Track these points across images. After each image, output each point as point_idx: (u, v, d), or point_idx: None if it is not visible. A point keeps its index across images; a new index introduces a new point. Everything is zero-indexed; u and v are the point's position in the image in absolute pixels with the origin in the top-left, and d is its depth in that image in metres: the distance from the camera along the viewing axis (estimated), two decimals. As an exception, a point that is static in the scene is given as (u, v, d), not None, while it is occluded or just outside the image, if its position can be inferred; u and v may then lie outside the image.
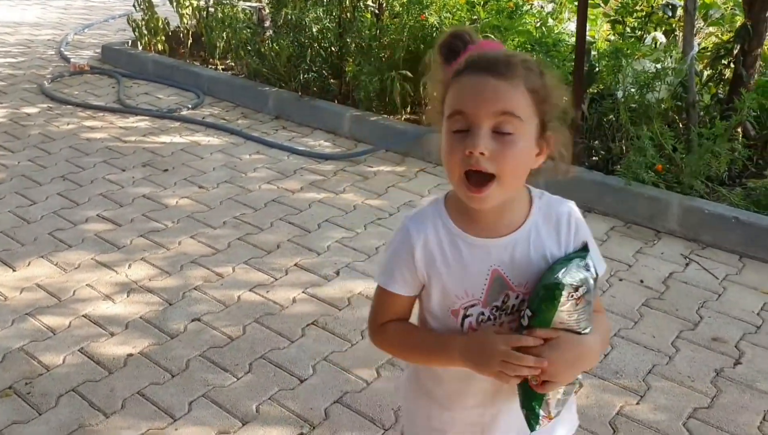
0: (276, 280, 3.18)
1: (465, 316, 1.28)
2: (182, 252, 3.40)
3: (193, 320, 2.91)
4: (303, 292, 3.10)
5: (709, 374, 2.62)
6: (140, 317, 2.92)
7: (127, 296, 3.06)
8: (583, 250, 1.28)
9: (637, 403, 2.48)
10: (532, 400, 1.24)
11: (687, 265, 3.31)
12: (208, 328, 2.86)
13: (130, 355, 2.70)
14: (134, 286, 3.13)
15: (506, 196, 1.22)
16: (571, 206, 1.33)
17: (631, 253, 3.40)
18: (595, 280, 1.24)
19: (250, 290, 3.10)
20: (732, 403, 2.48)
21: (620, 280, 3.19)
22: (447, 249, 1.28)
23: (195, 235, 3.54)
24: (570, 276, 1.19)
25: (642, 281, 3.18)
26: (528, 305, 1.23)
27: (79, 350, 2.72)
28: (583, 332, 1.22)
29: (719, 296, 3.08)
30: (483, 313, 1.28)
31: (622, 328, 2.86)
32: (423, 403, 1.43)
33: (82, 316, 2.92)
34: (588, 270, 1.22)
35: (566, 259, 1.24)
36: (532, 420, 1.25)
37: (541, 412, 1.24)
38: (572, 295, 1.18)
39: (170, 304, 3.01)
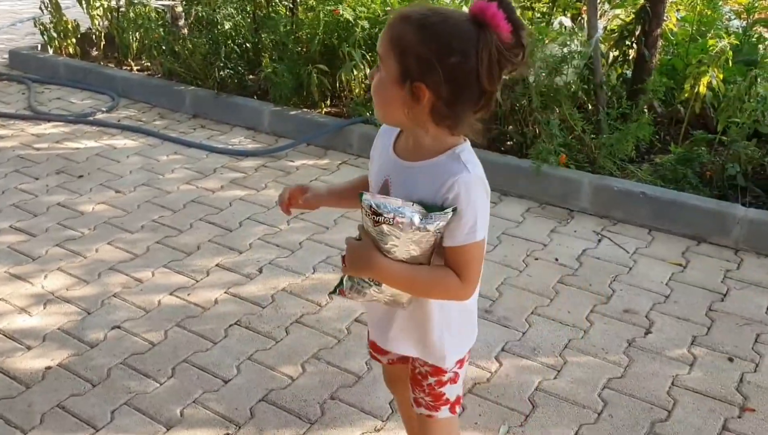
0: (197, 281, 3.16)
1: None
2: (100, 259, 3.34)
3: (113, 328, 2.86)
4: (225, 292, 3.08)
5: (621, 345, 2.73)
6: (58, 328, 2.86)
7: (44, 308, 2.99)
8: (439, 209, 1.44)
9: (555, 378, 2.57)
10: (341, 278, 1.57)
11: (599, 241, 3.44)
12: (129, 335, 2.82)
13: (48, 367, 2.64)
14: (51, 297, 3.06)
15: (381, 118, 1.53)
16: (466, 177, 1.44)
17: (546, 233, 3.51)
18: (416, 228, 1.41)
19: (170, 294, 3.07)
20: (643, 371, 2.60)
21: (536, 259, 3.29)
22: (382, 151, 1.60)
23: (112, 241, 3.48)
24: (377, 203, 1.41)
25: (557, 259, 3.28)
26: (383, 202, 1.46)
27: (-6, 367, 2.65)
28: (384, 251, 1.45)
29: (630, 269, 3.21)
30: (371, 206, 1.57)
31: (538, 306, 2.95)
32: None
33: (-3, 331, 2.85)
34: (422, 220, 1.40)
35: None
36: (336, 287, 1.58)
37: (341, 287, 1.57)
38: (368, 213, 1.42)
39: (89, 313, 2.95)
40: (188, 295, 3.07)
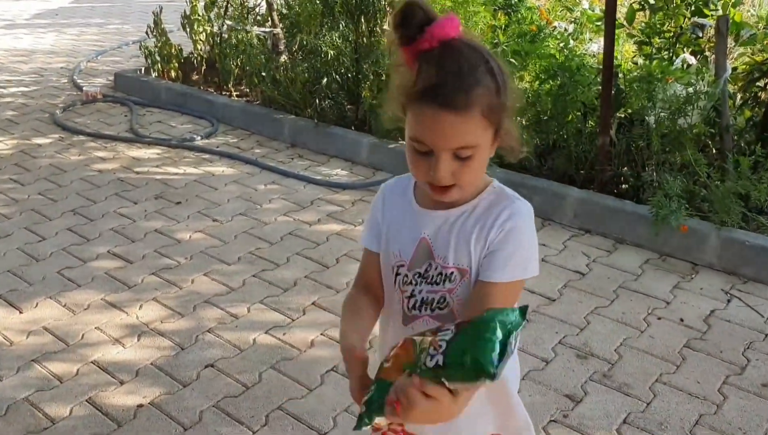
0: (293, 320, 3.02)
1: (397, 274, 1.40)
2: (195, 291, 3.25)
3: (206, 366, 2.75)
4: (322, 333, 2.93)
5: (762, 425, 2.42)
6: (151, 363, 2.77)
7: (138, 340, 2.91)
8: (522, 313, 1.08)
9: (685, 459, 2.29)
10: (376, 408, 1.14)
11: (728, 301, 3.12)
12: (222, 375, 2.70)
13: (141, 405, 2.55)
14: (145, 328, 2.98)
15: (465, 194, 1.31)
16: (517, 208, 1.32)
17: (668, 289, 3.22)
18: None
19: (265, 332, 2.95)
20: (789, 459, 2.29)
21: (658, 318, 3.00)
22: (399, 211, 1.41)
23: (208, 273, 3.39)
24: (501, 365, 1.02)
25: (682, 320, 2.99)
26: (445, 350, 1.05)
27: (86, 401, 2.57)
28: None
29: (766, 336, 2.89)
30: (407, 276, 1.38)
31: (663, 373, 2.67)
32: None
33: (91, 362, 2.78)
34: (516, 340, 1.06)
35: (506, 324, 1.05)
36: (365, 418, 1.16)
37: (375, 421, 1.16)
38: (486, 382, 1.03)
39: (182, 349, 2.85)
40: (284, 334, 2.93)
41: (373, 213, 1.46)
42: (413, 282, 1.38)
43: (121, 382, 2.67)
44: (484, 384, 1.03)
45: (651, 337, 2.88)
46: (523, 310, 1.08)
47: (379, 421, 1.16)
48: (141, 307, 3.13)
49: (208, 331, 2.96)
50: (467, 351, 1.04)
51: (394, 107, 1.28)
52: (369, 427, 1.17)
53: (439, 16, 1.21)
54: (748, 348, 2.82)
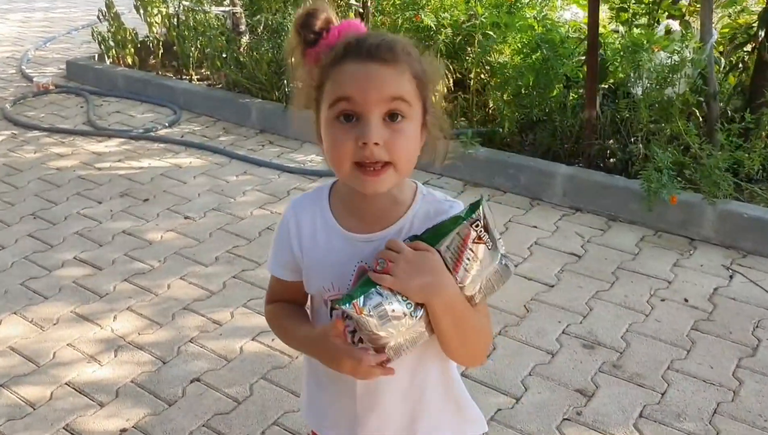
0: (281, 324, 2.84)
1: (332, 308, 1.24)
2: (172, 297, 3.04)
3: (192, 381, 2.56)
4: (313, 337, 2.76)
5: (782, 411, 2.33)
6: (132, 381, 2.57)
7: (115, 356, 2.70)
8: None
9: (708, 452, 2.18)
10: (358, 285, 1.11)
11: (731, 277, 3.03)
12: (210, 390, 2.51)
13: (124, 430, 2.35)
14: (122, 342, 2.78)
15: (399, 181, 1.17)
16: (454, 205, 1.23)
17: (668, 267, 3.11)
18: (501, 264, 1.15)
19: (252, 339, 2.76)
20: (813, 445, 2.20)
21: (662, 300, 2.89)
22: (320, 238, 1.24)
23: (185, 276, 3.18)
24: (491, 218, 1.12)
25: (686, 300, 2.88)
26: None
27: (64, 428, 2.36)
28: (454, 277, 1.11)
29: (774, 313, 2.80)
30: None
31: (674, 360, 2.56)
32: (307, 381, 1.39)
33: (65, 383, 2.56)
34: (505, 255, 1.15)
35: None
36: (344, 298, 1.09)
37: (355, 301, 1.07)
38: (478, 227, 1.10)
39: (164, 363, 2.66)
40: (273, 340, 2.75)
41: (282, 241, 1.27)
42: None
43: (101, 405, 2.47)
44: (466, 228, 1.09)
45: (657, 321, 2.77)
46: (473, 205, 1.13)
47: (358, 301, 1.08)
48: (115, 318, 2.92)
49: (190, 341, 2.77)
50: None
51: (304, 103, 1.20)
52: (348, 304, 1.08)
53: (340, 21, 1.18)
54: (757, 326, 2.72)
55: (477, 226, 1.10)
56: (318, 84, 1.15)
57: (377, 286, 1.09)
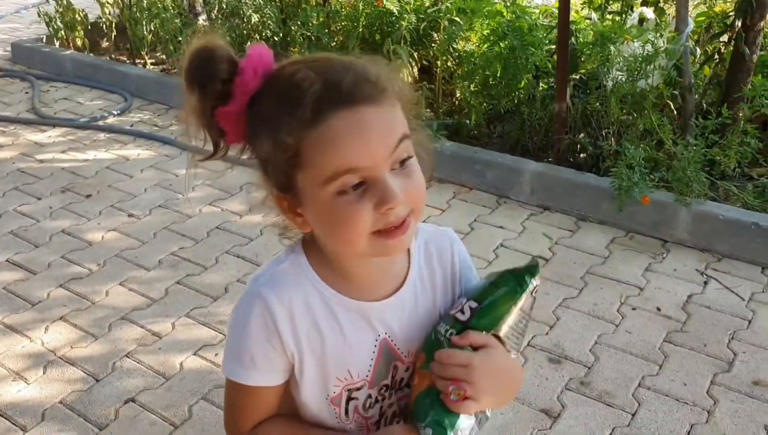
0: (225, 337, 2.63)
1: (349, 399, 1.02)
2: (110, 305, 2.81)
3: (126, 402, 2.34)
4: (260, 350, 2.55)
5: (759, 433, 2.18)
6: (60, 402, 2.35)
7: (44, 373, 2.48)
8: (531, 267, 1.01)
9: (680, 480, 2.03)
10: (444, 418, 0.93)
11: (705, 283, 2.87)
12: (145, 412, 2.30)
13: (47, 459, 2.14)
14: (52, 357, 2.55)
15: (417, 227, 0.96)
16: (451, 234, 1.09)
17: (640, 272, 2.94)
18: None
19: (194, 354, 2.55)
20: (793, 472, 2.05)
21: (633, 308, 2.73)
22: (321, 320, 0.98)
23: (125, 281, 2.95)
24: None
25: (659, 309, 2.72)
26: (470, 295, 0.98)
27: (-20, 457, 2.15)
28: (512, 350, 0.99)
29: (749, 323, 2.64)
30: (370, 396, 1.02)
31: (646, 376, 2.40)
32: None
33: (-14, 405, 2.34)
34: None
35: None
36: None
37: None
38: (535, 293, 0.96)
39: (97, 381, 2.43)
40: (216, 355, 2.54)
41: (267, 342, 0.98)
42: (380, 398, 1.02)
43: (24, 429, 2.25)
44: (527, 289, 0.94)
45: (628, 332, 2.60)
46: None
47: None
48: (47, 329, 2.69)
49: (126, 355, 2.55)
50: (498, 283, 0.97)
51: (267, 193, 0.95)
52: None
53: (235, 52, 0.90)
54: (732, 338, 2.57)
55: (535, 292, 0.97)
56: (290, 155, 0.88)
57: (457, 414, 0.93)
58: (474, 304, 0.96)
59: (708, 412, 2.26)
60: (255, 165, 0.95)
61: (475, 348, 0.94)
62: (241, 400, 1.03)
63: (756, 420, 2.22)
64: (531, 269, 0.96)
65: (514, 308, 0.94)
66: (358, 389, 1.01)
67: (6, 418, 2.29)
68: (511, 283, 0.96)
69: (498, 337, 0.96)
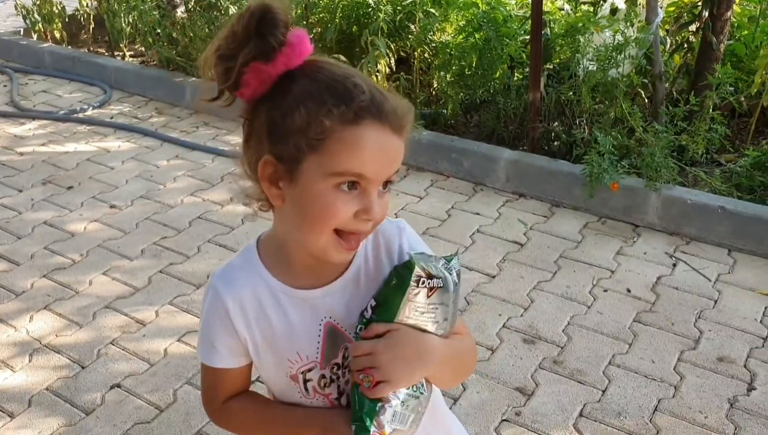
0: (209, 322, 2.69)
1: (306, 380, 1.10)
2: (94, 294, 2.86)
3: (111, 387, 2.40)
4: (243, 336, 2.61)
5: (722, 407, 2.28)
6: (46, 388, 2.40)
7: (30, 360, 2.52)
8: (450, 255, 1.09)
9: (648, 452, 2.12)
10: (363, 411, 1.00)
11: (674, 266, 2.97)
12: (131, 397, 2.36)
13: (35, 444, 2.19)
14: (37, 345, 2.59)
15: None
16: (401, 225, 1.13)
17: (611, 255, 3.04)
18: (456, 286, 1.04)
19: (178, 340, 2.61)
20: (754, 442, 2.15)
21: (605, 290, 2.82)
22: (269, 309, 1.07)
23: (108, 271, 3.00)
24: (425, 263, 1.01)
25: (629, 290, 2.82)
26: (373, 295, 1.05)
27: (-32, 443, 2.20)
28: (431, 333, 1.03)
29: (715, 303, 2.75)
30: (324, 376, 1.10)
31: (616, 354, 2.49)
32: None
33: (-27, 393, 2.38)
34: (450, 272, 1.04)
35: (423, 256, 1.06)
36: (357, 429, 1.00)
37: (373, 428, 0.99)
38: (425, 283, 1.00)
39: (83, 367, 2.48)
40: (199, 341, 2.60)
41: (221, 327, 1.08)
42: (334, 377, 1.10)
43: (11, 416, 2.29)
44: (412, 282, 0.99)
45: (599, 313, 2.69)
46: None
47: (376, 428, 1.00)
48: (31, 318, 2.73)
49: (111, 343, 2.60)
50: (387, 277, 1.05)
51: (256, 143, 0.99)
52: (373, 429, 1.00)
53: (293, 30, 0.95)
54: (699, 317, 2.67)
55: (423, 283, 1.01)
56: (315, 136, 0.93)
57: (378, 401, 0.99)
58: (373, 302, 1.03)
59: (675, 387, 2.35)
60: (255, 129, 0.99)
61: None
62: (211, 380, 1.16)
63: (720, 394, 2.32)
64: (407, 264, 1.01)
65: (404, 300, 0.99)
66: (310, 370, 1.09)
67: (-7, 405, 2.34)
68: (395, 278, 1.03)
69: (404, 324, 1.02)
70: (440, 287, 1.02)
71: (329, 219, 0.96)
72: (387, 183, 0.99)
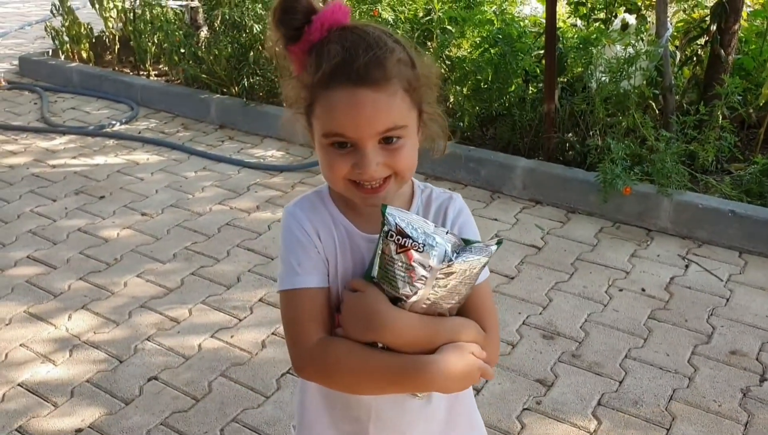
0: (240, 320, 2.81)
1: None
2: (129, 295, 2.99)
3: (149, 380, 2.51)
4: (272, 332, 2.73)
5: (735, 396, 2.37)
6: (87, 380, 2.51)
7: (70, 355, 2.64)
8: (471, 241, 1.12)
9: (664, 438, 2.21)
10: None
11: (687, 267, 3.07)
12: (168, 388, 2.47)
13: (79, 430, 2.30)
14: (77, 341, 2.72)
15: (401, 186, 1.14)
16: (458, 199, 1.23)
17: (626, 258, 3.14)
18: (450, 261, 1.05)
19: (211, 336, 2.73)
20: (767, 429, 2.24)
21: (620, 290, 2.92)
22: (344, 242, 1.16)
23: (142, 273, 3.13)
24: (402, 221, 1.05)
25: (643, 290, 2.92)
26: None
27: (17, 429, 2.31)
28: (402, 296, 1.06)
29: (727, 301, 2.85)
30: None
31: (632, 348, 2.59)
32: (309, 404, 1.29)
33: (18, 384, 2.50)
34: (456, 248, 1.06)
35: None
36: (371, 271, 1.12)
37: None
38: (393, 236, 1.03)
39: (120, 362, 2.61)
40: (231, 337, 2.72)
41: (304, 244, 1.14)
42: None
43: (55, 405, 2.41)
44: (383, 238, 1.04)
45: (615, 311, 2.80)
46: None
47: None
48: (70, 317, 2.86)
49: (147, 339, 2.72)
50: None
51: (297, 115, 1.12)
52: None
53: (321, 5, 1.08)
54: (711, 314, 2.77)
55: (392, 236, 1.04)
56: (308, 102, 1.08)
57: None
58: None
59: (689, 378, 2.45)
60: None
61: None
62: (297, 310, 1.13)
63: (733, 384, 2.42)
64: (382, 224, 1.06)
65: (378, 252, 1.07)
66: None
67: (38, 395, 2.45)
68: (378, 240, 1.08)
69: (376, 284, 1.09)
70: (418, 250, 1.03)
71: (331, 172, 1.09)
72: (388, 139, 1.06)
